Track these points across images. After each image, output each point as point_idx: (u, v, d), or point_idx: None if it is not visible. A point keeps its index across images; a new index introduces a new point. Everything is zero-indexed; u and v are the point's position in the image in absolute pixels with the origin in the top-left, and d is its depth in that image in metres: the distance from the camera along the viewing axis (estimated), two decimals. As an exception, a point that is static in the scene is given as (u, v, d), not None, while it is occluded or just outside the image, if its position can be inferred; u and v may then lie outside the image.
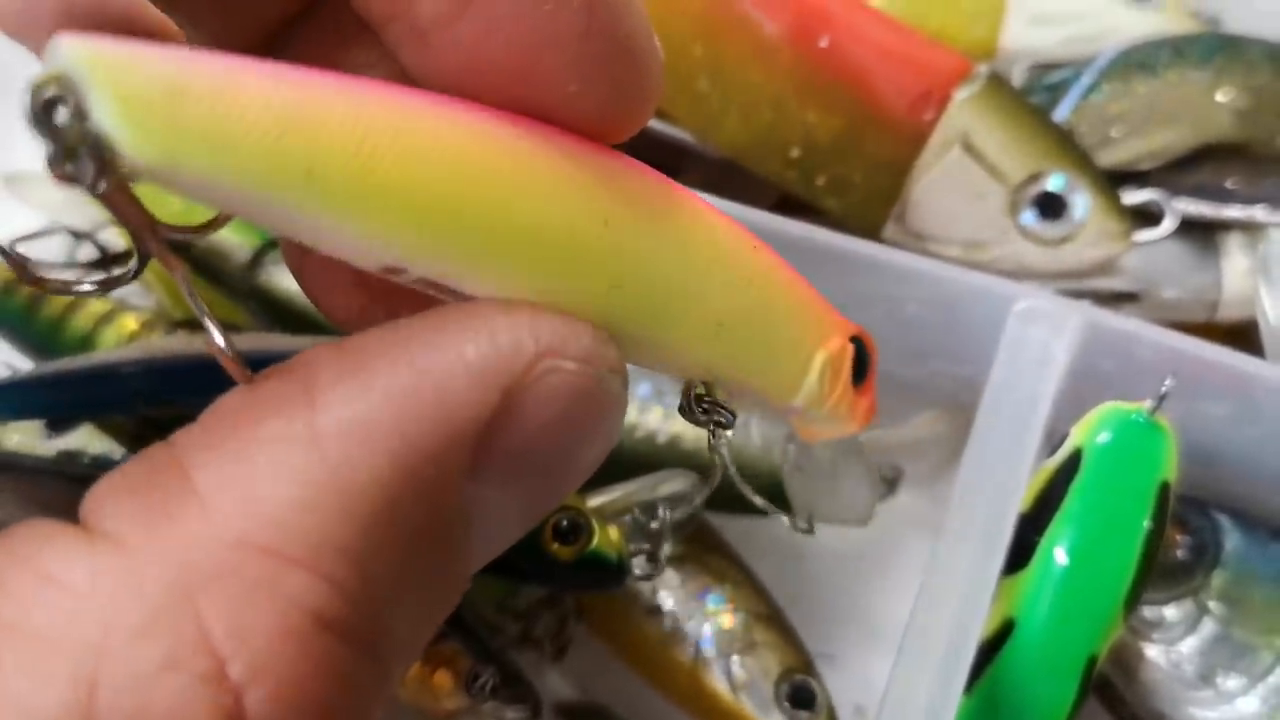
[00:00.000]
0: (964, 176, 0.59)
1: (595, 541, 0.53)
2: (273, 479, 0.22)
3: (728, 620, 0.57)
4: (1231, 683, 0.56)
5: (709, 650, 0.57)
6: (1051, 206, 0.59)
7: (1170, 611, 0.57)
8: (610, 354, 0.26)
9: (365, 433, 0.22)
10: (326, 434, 0.22)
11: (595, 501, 0.55)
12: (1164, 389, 0.50)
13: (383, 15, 0.26)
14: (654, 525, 0.53)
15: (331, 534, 0.22)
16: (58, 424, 0.56)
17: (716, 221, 0.30)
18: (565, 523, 0.52)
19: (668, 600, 0.57)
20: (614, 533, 0.53)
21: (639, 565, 0.54)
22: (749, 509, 0.60)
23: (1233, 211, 0.61)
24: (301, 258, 0.31)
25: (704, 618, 0.57)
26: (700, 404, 0.31)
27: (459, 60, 0.26)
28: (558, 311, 0.25)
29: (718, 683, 0.56)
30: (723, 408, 0.31)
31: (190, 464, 0.22)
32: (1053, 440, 0.52)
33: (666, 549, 0.54)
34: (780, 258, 0.31)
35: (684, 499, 0.55)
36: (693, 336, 0.29)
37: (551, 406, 0.25)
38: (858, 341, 0.33)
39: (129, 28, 0.30)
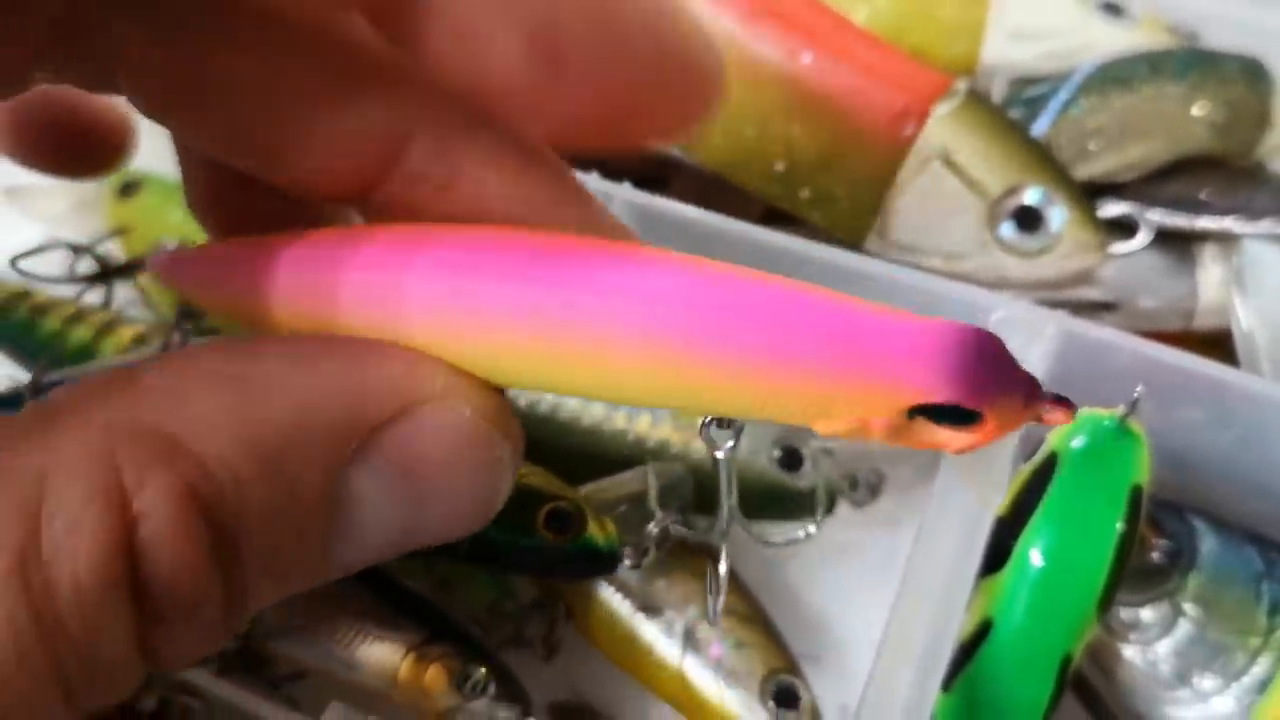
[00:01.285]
0: (943, 190, 0.60)
1: (588, 530, 0.54)
2: (198, 397, 0.29)
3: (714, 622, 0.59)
4: (1207, 682, 0.57)
5: (695, 651, 0.58)
6: (1029, 219, 0.61)
7: (1146, 613, 0.58)
8: (513, 424, 0.32)
9: (280, 393, 0.29)
10: (253, 381, 0.29)
11: (586, 490, 0.56)
12: (1135, 395, 0.51)
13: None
14: (647, 521, 0.55)
15: (224, 449, 0.28)
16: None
17: None
18: (559, 511, 0.54)
19: (655, 601, 0.58)
20: (607, 523, 0.54)
21: (628, 556, 0.55)
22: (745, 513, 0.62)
23: (1208, 223, 0.63)
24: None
25: (690, 618, 0.58)
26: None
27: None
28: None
29: (704, 683, 0.57)
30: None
31: (143, 370, 0.29)
32: (1031, 445, 0.54)
33: (654, 543, 0.55)
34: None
35: (674, 492, 0.57)
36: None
37: (435, 436, 0.31)
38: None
39: (77, 120, 0.39)
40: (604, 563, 0.54)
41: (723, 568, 0.46)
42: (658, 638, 0.58)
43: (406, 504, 0.31)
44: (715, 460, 0.34)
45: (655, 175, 0.67)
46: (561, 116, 0.32)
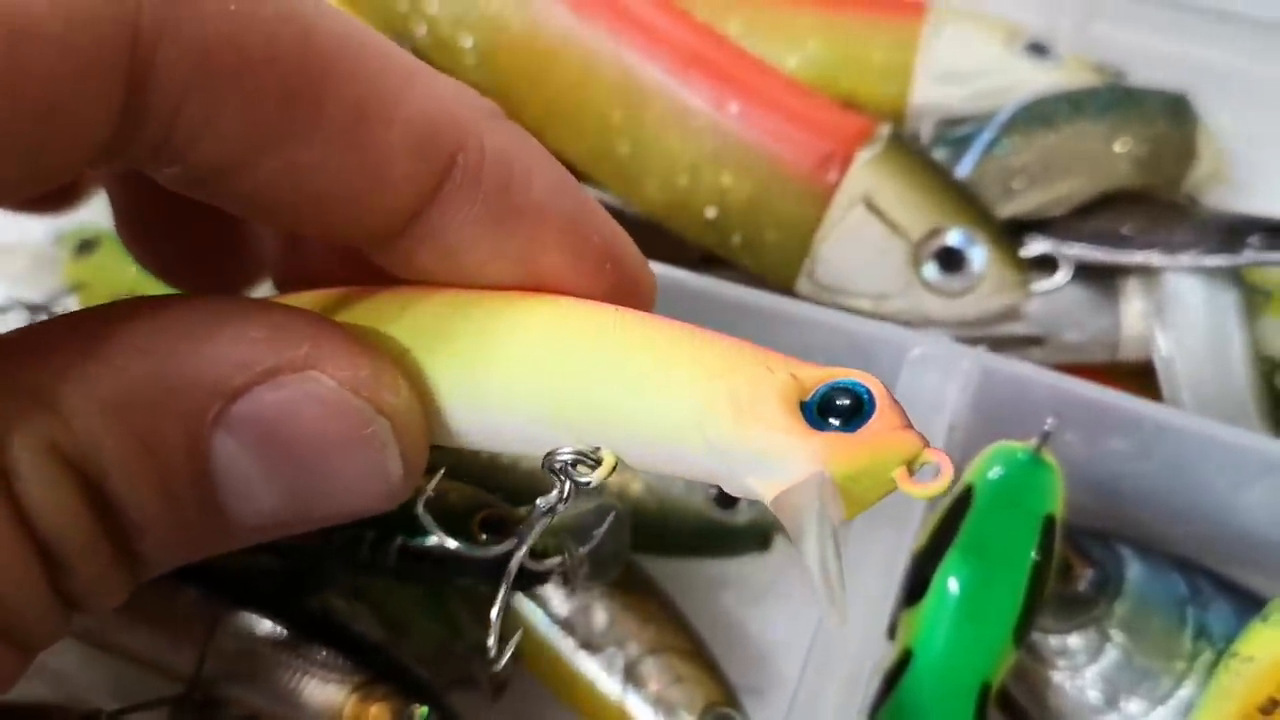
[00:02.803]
0: (868, 233, 0.62)
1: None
2: (62, 353, 0.30)
3: (653, 656, 0.60)
4: (1134, 706, 0.59)
5: (635, 686, 0.59)
6: (952, 260, 0.62)
7: (1074, 640, 0.60)
8: (387, 398, 0.32)
9: (138, 352, 0.31)
10: (116, 339, 0.30)
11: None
12: (1046, 428, 0.53)
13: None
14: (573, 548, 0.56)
15: (81, 403, 0.29)
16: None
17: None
18: (494, 518, 0.55)
19: (596, 637, 0.60)
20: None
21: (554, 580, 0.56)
22: (673, 552, 0.63)
23: (1130, 257, 0.64)
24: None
25: (631, 654, 0.60)
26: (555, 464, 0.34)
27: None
28: (364, 349, 0.33)
29: (644, 718, 0.59)
30: (587, 459, 0.33)
31: (17, 330, 0.31)
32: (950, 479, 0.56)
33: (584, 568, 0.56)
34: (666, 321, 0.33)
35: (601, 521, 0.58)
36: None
37: (301, 404, 0.31)
38: (846, 385, 0.31)
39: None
40: (534, 576, 0.55)
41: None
42: (598, 674, 0.60)
43: (278, 474, 0.32)
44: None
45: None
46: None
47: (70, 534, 0.29)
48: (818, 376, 0.31)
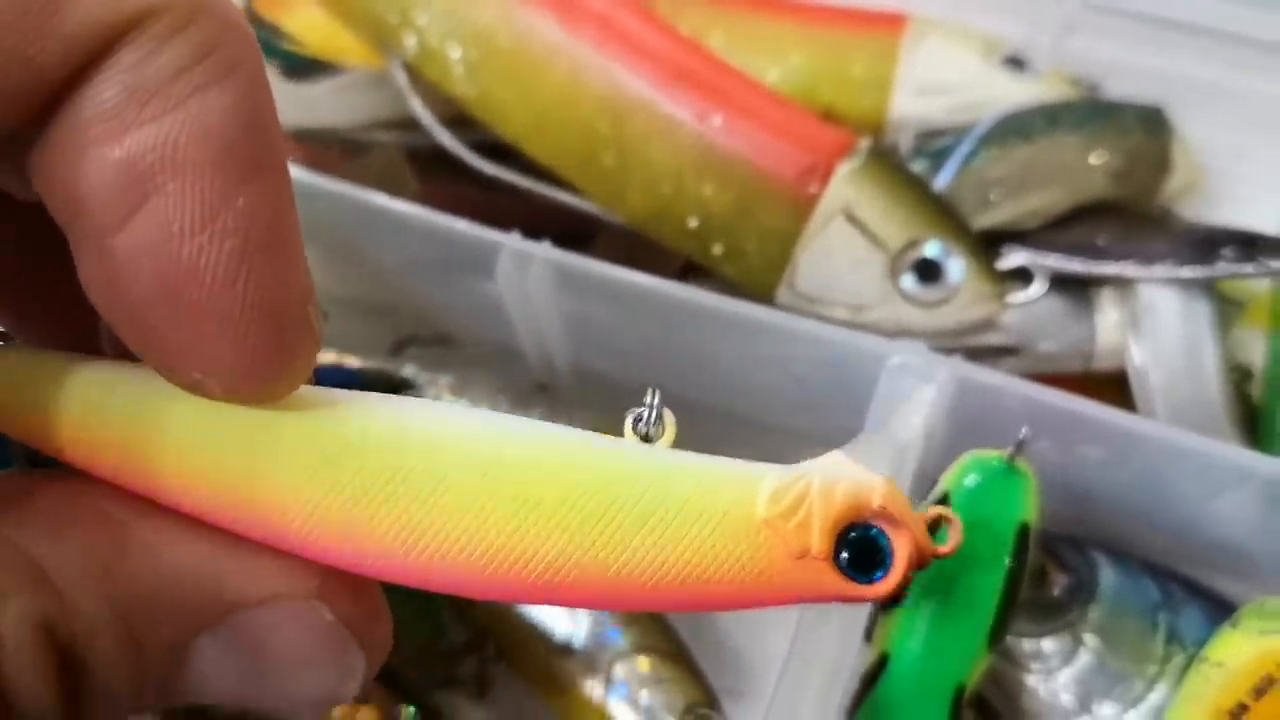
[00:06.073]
0: (847, 244, 0.63)
1: None
2: (74, 534, 0.30)
3: (635, 658, 0.61)
4: (1107, 709, 0.60)
5: (617, 687, 0.60)
6: (929, 271, 0.63)
7: (1048, 644, 0.61)
8: (371, 634, 0.33)
9: (150, 557, 0.31)
10: (131, 536, 0.31)
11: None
12: (1020, 437, 0.54)
13: (64, 220, 0.30)
14: None
15: (84, 594, 0.29)
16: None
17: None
18: None
19: (579, 639, 0.61)
20: None
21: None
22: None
23: (1105, 268, 0.65)
24: None
25: (612, 655, 0.61)
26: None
27: (117, 274, 0.30)
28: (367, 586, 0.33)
29: (626, 718, 0.60)
30: None
31: (35, 486, 0.32)
32: (926, 485, 0.57)
33: None
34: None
35: None
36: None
37: (290, 628, 0.32)
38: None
39: None
40: None
41: None
42: (581, 675, 0.61)
43: (246, 677, 0.33)
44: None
45: (580, 231, 0.70)
46: (128, 264, 0.30)
47: (39, 707, 0.29)
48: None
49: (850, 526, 0.29)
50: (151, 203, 0.29)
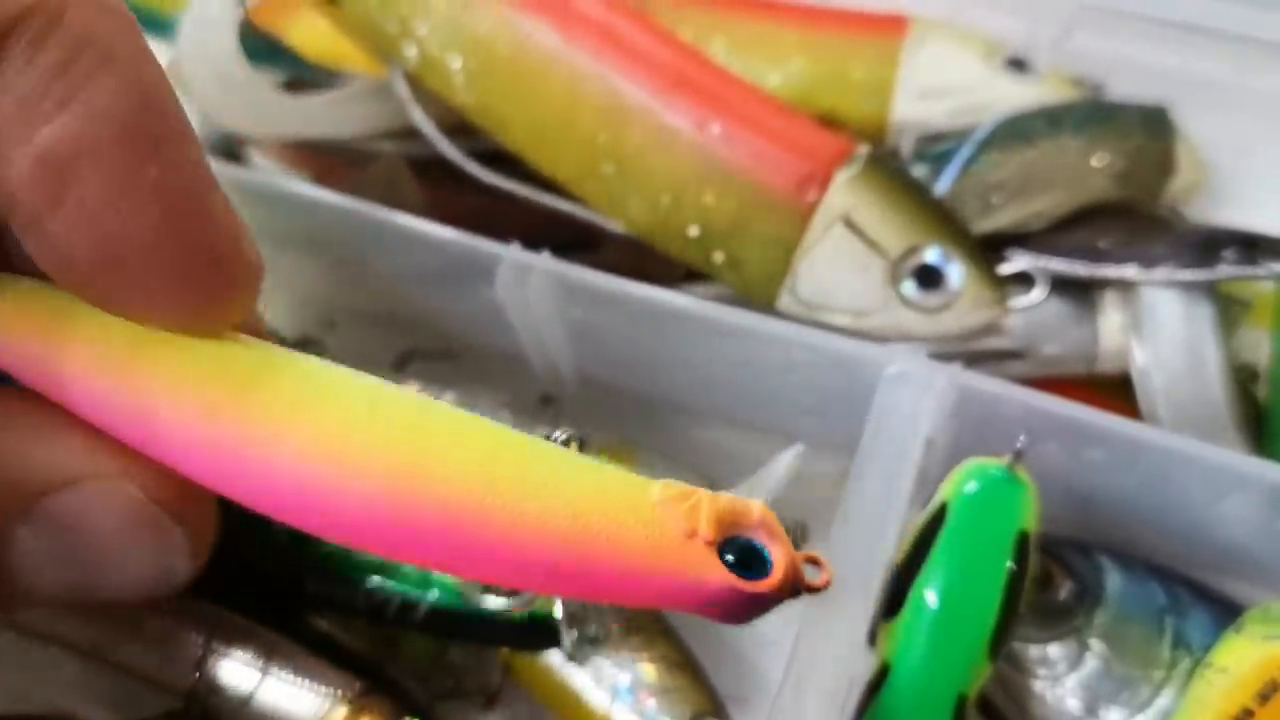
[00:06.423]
0: (847, 251, 0.63)
1: (537, 604, 0.57)
2: None
3: (642, 667, 0.61)
4: (1113, 715, 0.60)
5: (624, 696, 0.61)
6: (929, 277, 0.63)
7: (1054, 649, 0.61)
8: (187, 510, 0.35)
9: None
10: None
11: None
12: (1019, 445, 0.54)
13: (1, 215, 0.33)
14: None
15: None
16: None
17: None
18: None
19: (584, 648, 0.61)
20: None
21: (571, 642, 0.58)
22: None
23: (1107, 271, 0.65)
24: None
25: (619, 664, 0.61)
26: None
27: (61, 250, 0.33)
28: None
29: (632, 729, 0.60)
30: None
31: None
32: (926, 494, 0.57)
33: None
34: None
35: None
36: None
37: (98, 509, 0.33)
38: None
39: None
40: (547, 637, 0.59)
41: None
42: (586, 685, 0.61)
43: (67, 563, 0.34)
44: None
45: (583, 241, 0.70)
46: (65, 243, 0.33)
47: None
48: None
49: (733, 537, 0.31)
50: (71, 190, 0.31)
